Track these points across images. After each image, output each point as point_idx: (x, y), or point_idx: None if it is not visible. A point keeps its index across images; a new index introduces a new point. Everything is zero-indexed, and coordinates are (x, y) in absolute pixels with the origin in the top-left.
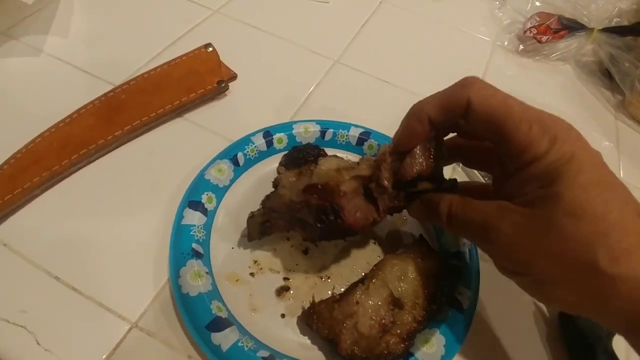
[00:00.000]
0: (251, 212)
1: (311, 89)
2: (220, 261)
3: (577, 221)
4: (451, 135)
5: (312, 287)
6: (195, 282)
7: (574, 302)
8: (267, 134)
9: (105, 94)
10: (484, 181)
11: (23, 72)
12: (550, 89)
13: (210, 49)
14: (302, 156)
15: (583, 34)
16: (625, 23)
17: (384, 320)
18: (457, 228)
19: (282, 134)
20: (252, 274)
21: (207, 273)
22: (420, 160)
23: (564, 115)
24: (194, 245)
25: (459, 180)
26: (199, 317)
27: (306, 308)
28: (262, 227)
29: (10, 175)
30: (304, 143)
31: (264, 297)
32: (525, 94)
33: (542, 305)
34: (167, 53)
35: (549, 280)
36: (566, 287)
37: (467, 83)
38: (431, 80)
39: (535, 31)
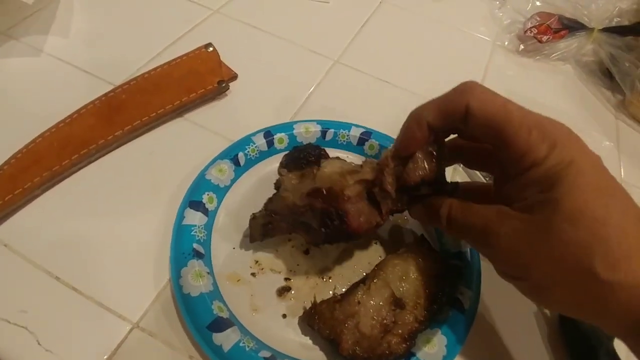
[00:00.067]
0: (253, 214)
1: (311, 89)
2: (221, 261)
3: (576, 225)
4: (452, 136)
5: (313, 288)
6: (196, 283)
7: (574, 307)
8: (268, 134)
9: (105, 94)
10: (485, 181)
11: (23, 72)
12: (550, 89)
13: (211, 49)
14: (302, 156)
15: (583, 34)
16: (626, 23)
17: (385, 321)
18: (457, 232)
19: (282, 133)
20: (253, 274)
21: (208, 273)
22: (423, 165)
23: (564, 115)
24: (195, 245)
25: (460, 180)
26: (200, 317)
27: (307, 308)
28: (264, 229)
29: (10, 176)
30: (304, 143)
31: (265, 297)
32: (525, 93)
33: None
34: (167, 53)
35: (549, 285)
36: (566, 292)
37: (466, 88)
38: (431, 80)
39: (536, 31)
